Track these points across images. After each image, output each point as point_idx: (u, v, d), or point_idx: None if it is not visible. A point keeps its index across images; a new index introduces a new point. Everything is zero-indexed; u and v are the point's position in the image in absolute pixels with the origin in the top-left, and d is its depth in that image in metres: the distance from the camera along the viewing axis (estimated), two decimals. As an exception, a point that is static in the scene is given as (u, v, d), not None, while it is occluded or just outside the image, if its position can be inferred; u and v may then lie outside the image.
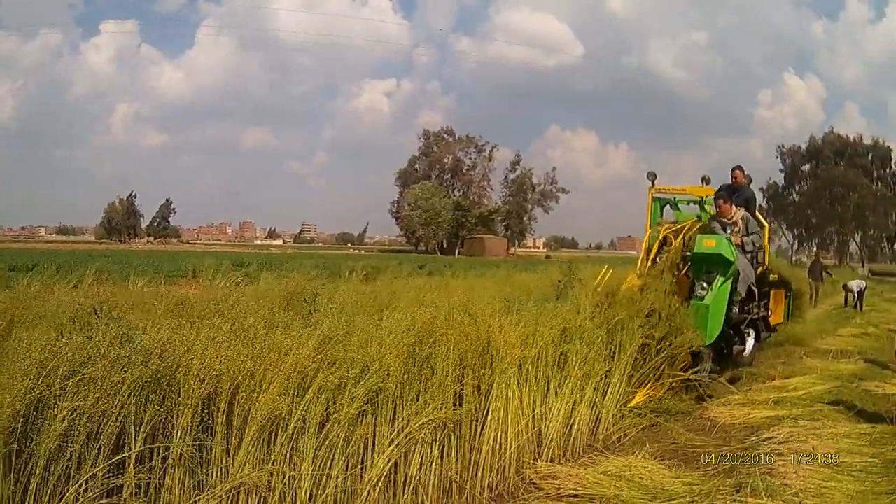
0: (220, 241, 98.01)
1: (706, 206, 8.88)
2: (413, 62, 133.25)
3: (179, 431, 3.32)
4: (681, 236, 8.22)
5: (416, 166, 79.37)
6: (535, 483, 4.43)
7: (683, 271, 7.88)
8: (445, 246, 72.92)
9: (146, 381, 3.30)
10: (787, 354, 9.24)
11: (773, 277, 9.08)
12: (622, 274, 8.17)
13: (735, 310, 7.79)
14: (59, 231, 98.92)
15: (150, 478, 3.26)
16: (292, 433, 3.64)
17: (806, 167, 66.39)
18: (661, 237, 8.50)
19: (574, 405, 5.31)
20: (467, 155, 79.75)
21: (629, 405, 5.89)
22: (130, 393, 3.24)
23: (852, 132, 66.96)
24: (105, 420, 3.17)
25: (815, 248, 37.63)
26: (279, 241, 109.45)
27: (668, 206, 9.43)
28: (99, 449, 3.17)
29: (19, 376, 3.16)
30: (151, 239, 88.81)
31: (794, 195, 67.69)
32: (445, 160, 79.24)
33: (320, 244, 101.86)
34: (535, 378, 5.12)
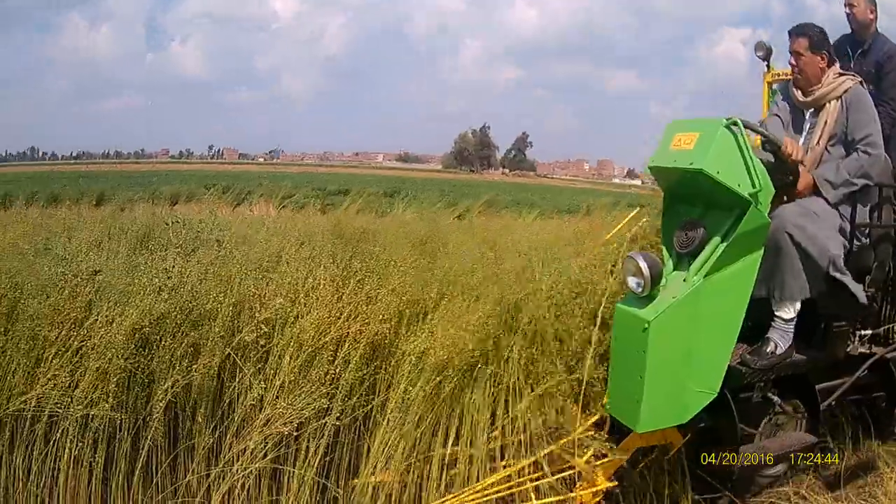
0: (578, 177, 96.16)
1: None
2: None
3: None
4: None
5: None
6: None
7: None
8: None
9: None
10: None
11: None
12: None
13: (777, 342, 2.82)
14: (399, 158, 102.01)
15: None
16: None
17: None
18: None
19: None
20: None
21: None
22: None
23: None
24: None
25: None
26: (638, 182, 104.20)
27: None
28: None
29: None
30: (506, 171, 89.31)
31: None
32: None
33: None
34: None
